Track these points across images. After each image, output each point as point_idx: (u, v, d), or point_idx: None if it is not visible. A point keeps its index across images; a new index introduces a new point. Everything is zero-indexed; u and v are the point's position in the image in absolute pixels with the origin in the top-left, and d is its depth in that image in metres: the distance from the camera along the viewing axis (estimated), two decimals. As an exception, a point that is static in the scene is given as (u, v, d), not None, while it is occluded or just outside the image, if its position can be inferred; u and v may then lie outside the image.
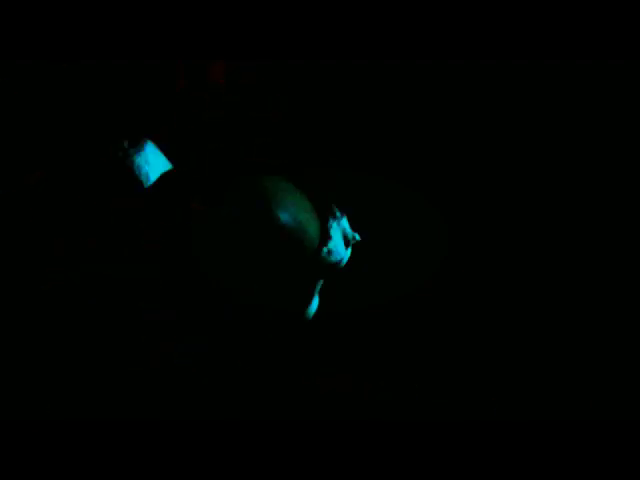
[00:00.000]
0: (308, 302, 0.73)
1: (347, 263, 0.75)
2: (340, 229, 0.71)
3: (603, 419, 0.73)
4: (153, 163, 0.70)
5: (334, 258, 0.70)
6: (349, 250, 0.72)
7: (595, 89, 0.80)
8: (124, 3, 0.71)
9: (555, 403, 0.79)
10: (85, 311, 0.68)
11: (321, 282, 0.72)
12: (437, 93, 0.83)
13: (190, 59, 0.77)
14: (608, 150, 0.82)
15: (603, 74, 0.79)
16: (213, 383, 0.77)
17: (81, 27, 0.70)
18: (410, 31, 0.75)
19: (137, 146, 0.69)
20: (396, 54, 0.76)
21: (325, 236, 0.69)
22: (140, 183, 0.68)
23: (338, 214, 0.71)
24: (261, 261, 0.68)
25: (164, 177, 0.70)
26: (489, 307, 0.86)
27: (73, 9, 0.69)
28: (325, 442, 0.68)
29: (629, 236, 0.83)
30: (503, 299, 0.86)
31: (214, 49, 0.75)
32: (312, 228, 0.68)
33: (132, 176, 0.69)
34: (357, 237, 0.72)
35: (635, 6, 0.72)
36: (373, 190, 0.84)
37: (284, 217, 0.67)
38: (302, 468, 0.66)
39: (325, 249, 0.69)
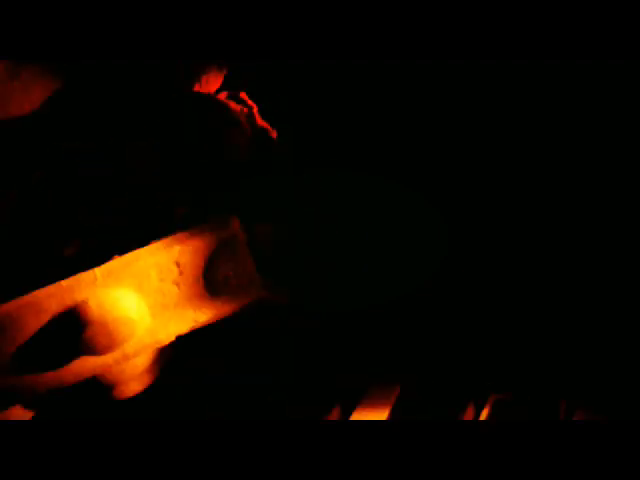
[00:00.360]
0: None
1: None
2: None
3: (603, 419, 0.73)
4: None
5: None
6: None
7: (595, 89, 0.80)
8: (124, 3, 0.71)
9: (556, 403, 0.79)
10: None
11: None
12: (437, 93, 0.83)
13: (190, 59, 0.77)
14: (608, 150, 0.82)
15: (603, 74, 0.79)
16: (210, 382, 0.77)
17: (81, 27, 0.70)
18: (410, 31, 0.74)
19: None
20: (396, 54, 0.76)
21: None
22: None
23: None
24: None
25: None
26: (490, 307, 0.86)
27: (73, 9, 0.69)
28: (324, 442, 0.68)
29: (630, 237, 0.83)
30: (504, 299, 0.86)
31: (214, 49, 0.75)
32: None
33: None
34: None
35: (635, 6, 0.72)
36: (373, 190, 0.84)
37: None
38: (300, 469, 0.66)
39: None
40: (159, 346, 0.67)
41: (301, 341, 0.82)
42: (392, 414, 0.77)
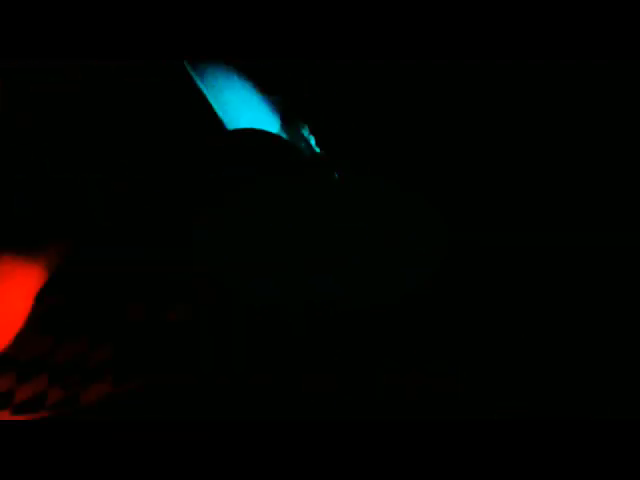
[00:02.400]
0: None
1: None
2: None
3: (603, 419, 0.73)
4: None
5: None
6: None
7: (595, 89, 0.80)
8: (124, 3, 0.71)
9: (557, 403, 0.79)
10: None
11: None
12: (437, 93, 0.83)
13: (189, 59, 0.77)
14: (608, 150, 0.82)
15: (602, 74, 0.79)
16: (207, 383, 0.78)
17: (81, 27, 0.70)
18: (409, 31, 0.75)
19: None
20: (396, 54, 0.77)
21: None
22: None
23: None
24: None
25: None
26: (490, 307, 0.86)
27: (72, 9, 0.69)
28: (322, 443, 0.68)
29: (631, 238, 0.83)
30: (504, 299, 0.86)
31: (214, 49, 0.75)
32: None
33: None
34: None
35: (635, 6, 0.72)
36: (373, 190, 0.84)
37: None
38: (300, 469, 0.66)
39: None
40: None
41: (301, 342, 0.82)
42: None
